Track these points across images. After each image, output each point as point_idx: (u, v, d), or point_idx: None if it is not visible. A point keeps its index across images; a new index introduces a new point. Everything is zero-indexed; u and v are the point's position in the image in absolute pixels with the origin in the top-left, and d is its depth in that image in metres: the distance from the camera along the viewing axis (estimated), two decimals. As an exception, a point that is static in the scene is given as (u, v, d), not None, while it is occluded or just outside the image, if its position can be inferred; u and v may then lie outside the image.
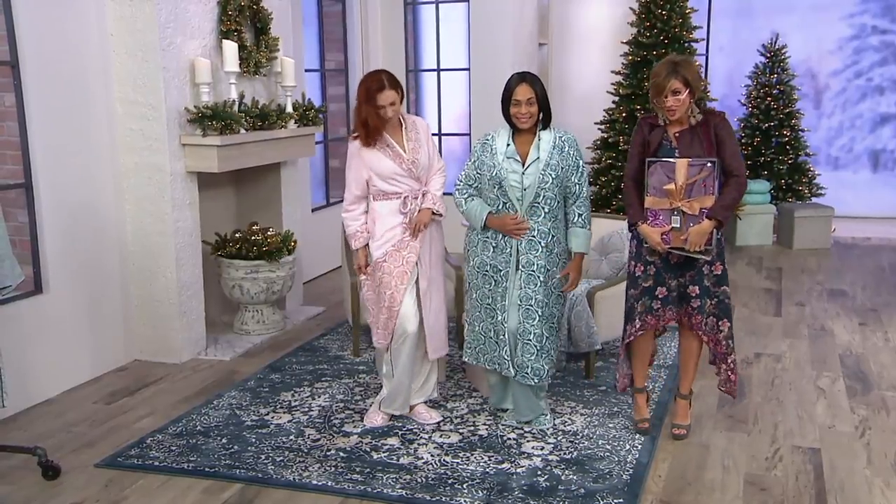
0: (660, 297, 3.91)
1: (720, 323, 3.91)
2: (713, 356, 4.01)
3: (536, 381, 3.99)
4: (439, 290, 4.22)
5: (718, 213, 3.72)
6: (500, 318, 3.98)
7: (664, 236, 3.78)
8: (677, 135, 3.80)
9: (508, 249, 3.94)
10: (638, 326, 3.96)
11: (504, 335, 3.98)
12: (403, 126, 4.09)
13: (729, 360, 3.98)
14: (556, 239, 3.94)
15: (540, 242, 3.90)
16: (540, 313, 3.93)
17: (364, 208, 4.15)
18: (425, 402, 4.34)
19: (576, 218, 3.96)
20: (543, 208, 3.88)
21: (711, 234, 3.75)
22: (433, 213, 4.10)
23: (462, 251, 4.24)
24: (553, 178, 3.86)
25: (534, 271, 3.91)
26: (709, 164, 3.70)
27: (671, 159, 3.75)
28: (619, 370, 4.13)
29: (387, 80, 3.92)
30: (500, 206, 3.93)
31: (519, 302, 3.94)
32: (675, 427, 4.09)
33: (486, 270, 4.00)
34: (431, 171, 4.16)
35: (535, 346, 3.95)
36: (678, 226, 3.76)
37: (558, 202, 3.92)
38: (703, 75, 9.45)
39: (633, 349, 4.07)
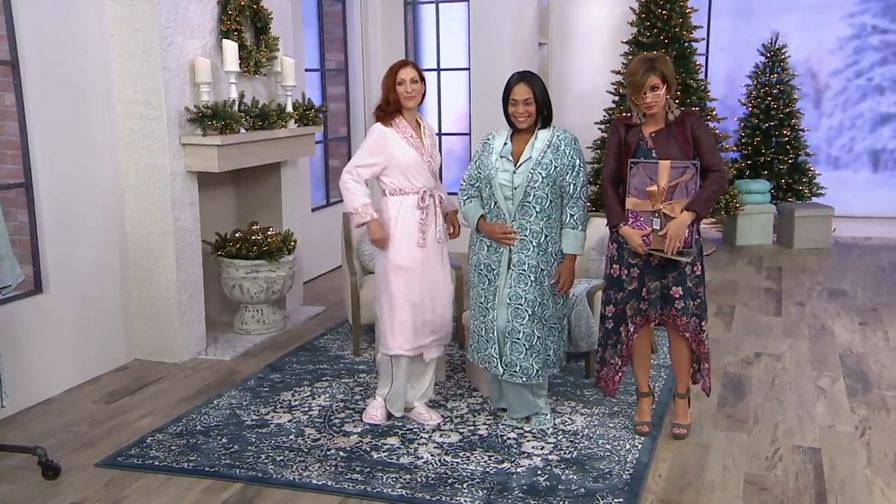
0: (645, 297, 3.90)
1: (702, 323, 3.89)
2: (696, 356, 3.99)
3: (524, 379, 3.99)
4: (445, 291, 4.22)
5: (697, 205, 3.68)
6: (490, 316, 4.00)
7: (644, 238, 3.76)
8: (653, 135, 3.78)
9: (501, 249, 3.95)
10: (632, 330, 3.94)
11: (493, 333, 3.99)
12: (421, 126, 4.16)
13: (709, 360, 4.01)
14: (550, 238, 3.93)
15: (532, 242, 3.90)
16: (530, 312, 3.93)
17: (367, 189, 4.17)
18: (425, 402, 4.34)
19: (568, 219, 3.94)
20: (535, 208, 3.87)
21: (690, 236, 3.73)
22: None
23: (464, 251, 4.27)
24: (543, 178, 3.84)
25: (524, 270, 3.91)
26: (691, 167, 3.69)
27: (654, 161, 3.73)
28: (606, 374, 4.08)
29: (411, 62, 4.15)
30: (493, 206, 3.95)
31: (508, 301, 3.94)
32: (675, 427, 4.09)
33: (481, 269, 4.02)
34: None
35: (524, 345, 3.95)
36: (659, 228, 3.73)
37: (551, 202, 3.90)
38: (704, 75, 9.44)
39: (633, 354, 4.05)
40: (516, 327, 3.94)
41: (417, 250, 4.07)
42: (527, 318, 3.92)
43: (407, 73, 4.03)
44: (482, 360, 4.09)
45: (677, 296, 3.84)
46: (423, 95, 4.13)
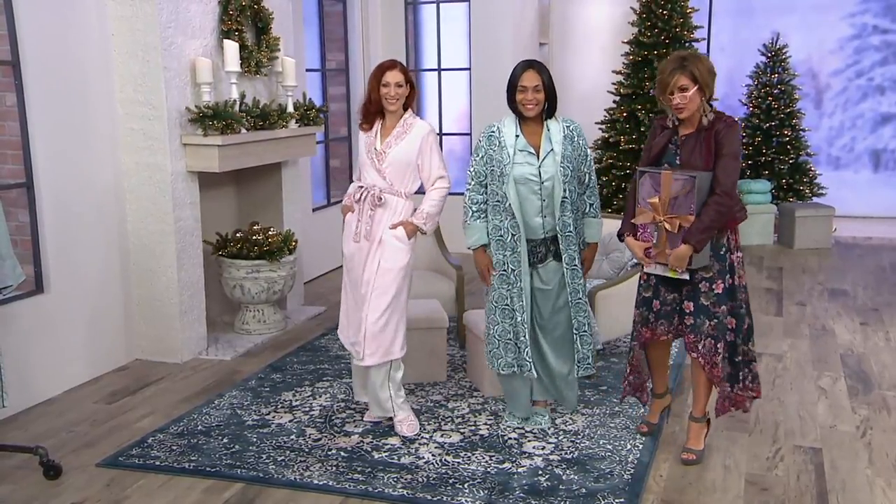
0: (654, 309, 3.78)
1: (718, 345, 3.63)
2: (710, 378, 3.69)
3: (592, 370, 4.00)
4: (384, 296, 3.98)
5: (693, 236, 3.48)
6: (519, 319, 3.92)
7: (648, 251, 3.65)
8: (683, 138, 3.60)
9: (519, 248, 3.86)
10: (634, 337, 3.89)
11: (524, 336, 3.92)
12: (396, 126, 4.03)
13: (725, 385, 3.72)
14: (579, 230, 3.93)
15: (573, 234, 3.86)
16: (582, 303, 3.94)
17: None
18: (401, 416, 4.13)
19: (588, 208, 3.93)
20: (569, 201, 3.82)
21: (691, 262, 3.55)
22: (417, 229, 4.04)
23: (464, 251, 4.22)
24: (571, 171, 3.82)
25: (577, 266, 3.88)
26: (689, 179, 3.47)
27: (659, 170, 3.58)
28: (633, 381, 4.00)
29: (399, 64, 4.01)
30: (503, 200, 3.83)
31: (570, 298, 3.90)
32: (684, 451, 3.85)
33: (505, 270, 3.91)
34: (429, 181, 4.07)
35: (589, 336, 3.95)
36: (656, 242, 3.61)
37: (578, 193, 3.89)
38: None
39: (649, 357, 3.96)
40: (581, 322, 3.93)
41: (352, 244, 4.07)
42: (583, 309, 3.93)
43: (393, 77, 3.94)
44: (507, 366, 3.97)
45: (688, 311, 3.66)
46: (411, 98, 4.03)
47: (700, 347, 3.65)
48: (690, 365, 3.88)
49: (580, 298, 3.91)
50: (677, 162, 3.61)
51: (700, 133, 3.56)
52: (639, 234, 3.71)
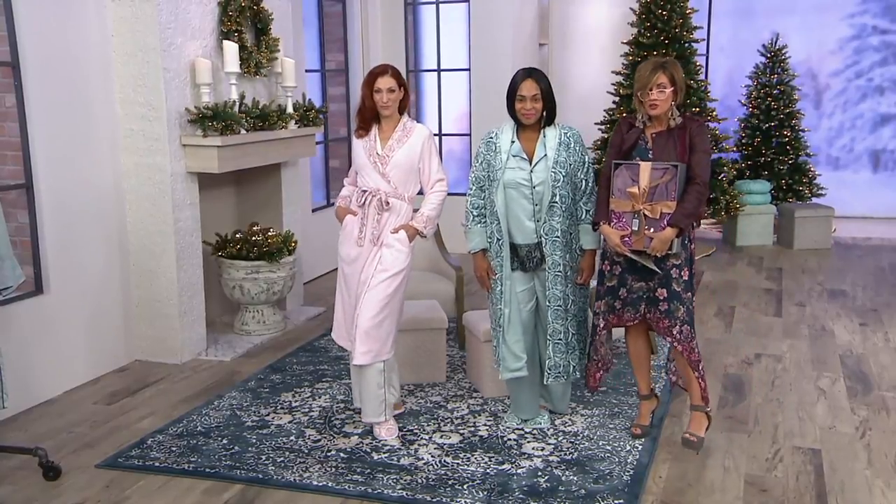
0: (621, 297, 3.88)
1: (692, 330, 3.82)
2: (689, 364, 3.85)
3: (565, 378, 4.00)
4: (380, 296, 3.97)
5: (680, 221, 3.66)
6: (504, 321, 3.97)
7: (625, 238, 3.75)
8: (654, 135, 3.77)
9: (503, 253, 3.92)
10: (601, 326, 3.95)
11: (509, 336, 3.97)
12: (397, 130, 4.06)
13: (701, 367, 3.88)
14: (574, 236, 3.94)
15: (561, 241, 3.88)
16: (564, 310, 3.93)
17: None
18: (378, 420, 4.09)
19: (584, 215, 3.94)
20: (560, 207, 3.86)
21: (680, 242, 3.72)
22: (418, 233, 4.07)
23: (464, 251, 4.24)
24: (564, 176, 3.85)
25: (560, 271, 3.89)
26: (671, 168, 3.65)
27: (636, 162, 3.73)
28: (588, 368, 4.07)
29: (391, 69, 4.02)
30: (505, 210, 3.88)
31: (549, 303, 3.92)
32: (686, 432, 3.93)
33: (497, 275, 4.00)
34: (428, 184, 4.11)
35: (564, 343, 3.95)
36: (637, 229, 3.73)
37: (572, 199, 3.91)
38: (704, 76, 9.44)
39: (630, 356, 4.05)
40: (557, 329, 3.93)
41: (354, 247, 4.08)
42: (562, 316, 3.93)
43: (384, 83, 3.95)
44: (506, 371, 4.00)
45: (661, 297, 3.80)
46: (405, 101, 4.06)
47: (675, 332, 3.79)
48: (677, 360, 3.99)
49: (560, 305, 3.92)
50: (649, 156, 3.77)
51: (672, 131, 3.77)
52: (613, 223, 3.79)
